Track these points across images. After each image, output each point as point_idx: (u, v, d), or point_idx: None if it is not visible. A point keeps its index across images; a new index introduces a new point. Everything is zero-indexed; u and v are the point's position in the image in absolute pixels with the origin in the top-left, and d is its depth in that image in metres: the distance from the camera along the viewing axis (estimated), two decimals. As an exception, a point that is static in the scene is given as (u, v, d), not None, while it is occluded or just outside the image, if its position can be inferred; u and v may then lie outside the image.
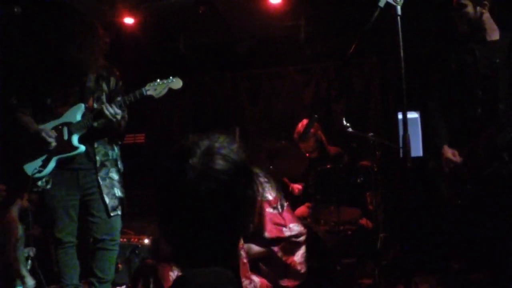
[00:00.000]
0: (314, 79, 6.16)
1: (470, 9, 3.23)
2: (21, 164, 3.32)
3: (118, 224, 3.41)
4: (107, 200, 3.33)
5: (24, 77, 3.52)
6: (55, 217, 3.32)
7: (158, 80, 3.31)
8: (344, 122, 4.25)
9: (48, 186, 3.31)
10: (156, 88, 3.29)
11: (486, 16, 3.24)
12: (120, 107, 3.24)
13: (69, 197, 3.33)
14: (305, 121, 5.02)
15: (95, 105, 3.36)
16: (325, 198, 4.40)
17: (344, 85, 6.00)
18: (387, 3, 2.28)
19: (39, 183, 3.31)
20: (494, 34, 3.27)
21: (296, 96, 6.24)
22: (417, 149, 4.63)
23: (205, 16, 5.53)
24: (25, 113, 3.38)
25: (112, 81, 3.46)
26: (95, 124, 3.31)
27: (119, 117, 3.25)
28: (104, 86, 3.43)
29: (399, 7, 2.28)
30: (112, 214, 3.34)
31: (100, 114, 3.25)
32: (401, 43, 2.26)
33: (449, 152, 3.28)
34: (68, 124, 3.31)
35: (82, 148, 3.31)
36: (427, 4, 4.73)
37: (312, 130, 4.91)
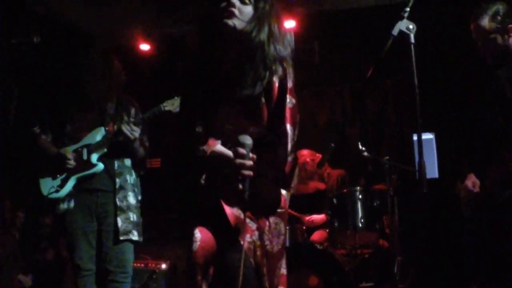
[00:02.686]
0: (328, 103, 6.19)
1: (499, 39, 2.91)
2: (39, 189, 3.36)
3: (130, 254, 3.37)
4: (119, 222, 3.31)
5: (44, 104, 3.60)
6: (74, 242, 3.31)
7: (175, 97, 3.37)
8: (360, 146, 4.26)
9: (72, 205, 3.32)
10: (173, 103, 3.34)
11: None
12: (139, 125, 3.32)
13: (88, 223, 3.34)
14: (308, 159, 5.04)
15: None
16: (342, 222, 4.38)
17: (359, 109, 6.02)
18: (400, 31, 2.29)
19: (61, 206, 3.32)
20: None
21: (310, 119, 6.25)
22: (432, 171, 4.59)
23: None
24: (45, 139, 3.46)
25: (132, 111, 3.54)
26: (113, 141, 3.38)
27: (136, 134, 3.30)
28: (124, 116, 3.50)
29: (412, 35, 2.28)
30: (121, 238, 3.30)
31: (119, 133, 3.31)
32: (414, 70, 2.26)
33: (470, 181, 3.02)
34: (88, 146, 3.38)
35: (101, 165, 3.35)
36: (440, 29, 4.74)
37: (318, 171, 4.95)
